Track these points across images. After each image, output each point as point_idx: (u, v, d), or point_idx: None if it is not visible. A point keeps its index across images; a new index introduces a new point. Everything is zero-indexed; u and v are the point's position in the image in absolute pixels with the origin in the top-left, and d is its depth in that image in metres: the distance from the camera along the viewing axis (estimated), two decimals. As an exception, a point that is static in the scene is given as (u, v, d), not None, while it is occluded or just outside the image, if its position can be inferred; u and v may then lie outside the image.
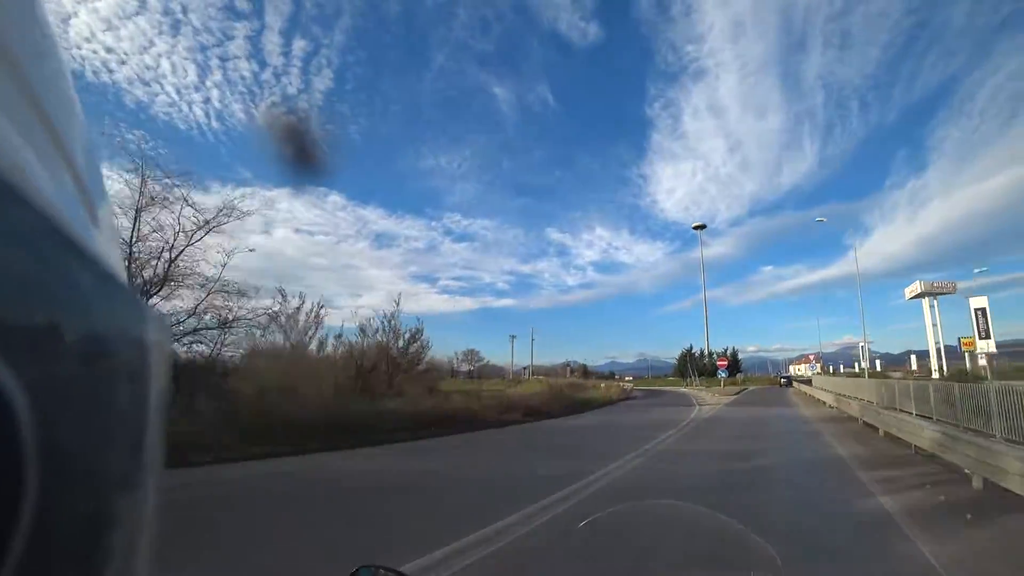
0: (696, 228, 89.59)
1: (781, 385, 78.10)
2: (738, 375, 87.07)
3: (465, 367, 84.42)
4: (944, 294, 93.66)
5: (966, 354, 63.45)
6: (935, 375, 56.05)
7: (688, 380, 68.79)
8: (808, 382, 56.09)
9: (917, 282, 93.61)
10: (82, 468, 0.26)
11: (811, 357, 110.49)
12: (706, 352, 73.04)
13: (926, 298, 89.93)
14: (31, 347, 0.22)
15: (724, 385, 56.30)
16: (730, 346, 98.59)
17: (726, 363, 69.76)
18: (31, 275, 0.23)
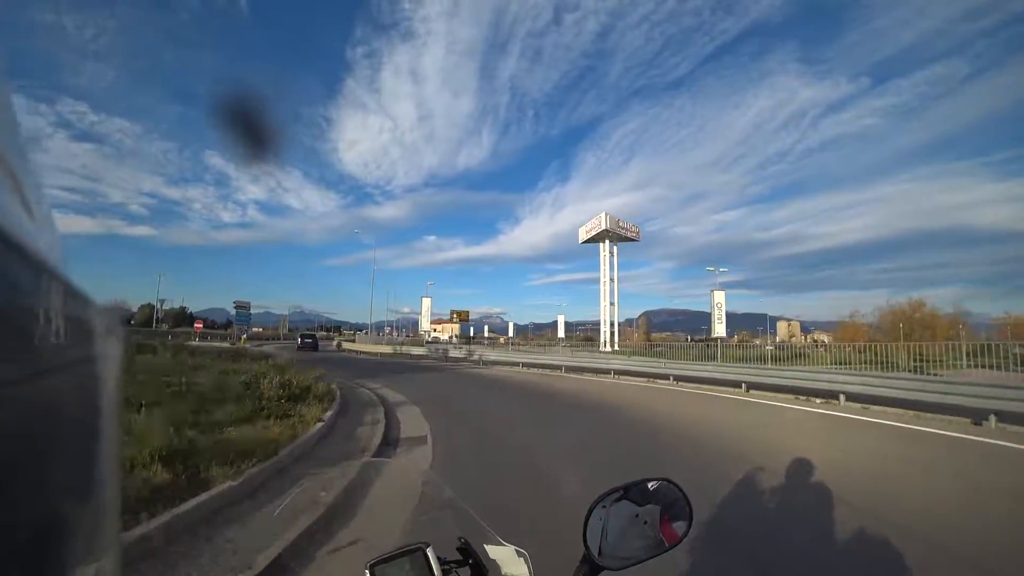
0: None
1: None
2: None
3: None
4: (629, 240, 78.99)
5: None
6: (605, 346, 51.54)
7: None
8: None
9: (602, 215, 76.08)
10: (29, 476, 0.24)
11: (443, 320, 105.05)
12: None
13: (606, 242, 73.58)
14: None
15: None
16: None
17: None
18: None
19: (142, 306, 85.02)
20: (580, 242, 69.08)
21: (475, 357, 26.37)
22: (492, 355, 25.93)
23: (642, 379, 17.46)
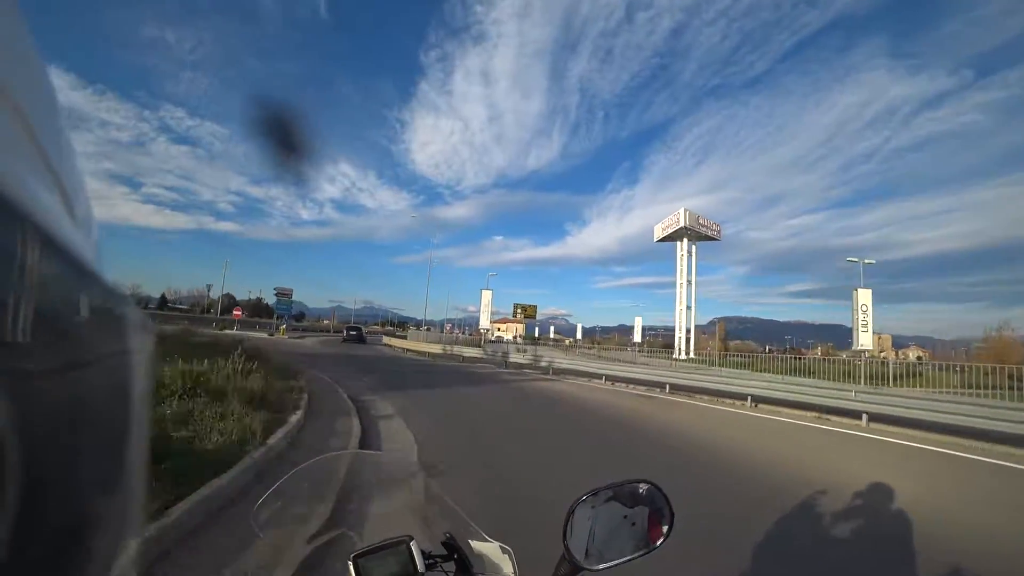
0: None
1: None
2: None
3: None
4: (709, 239, 70.78)
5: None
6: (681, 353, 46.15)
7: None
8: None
9: (680, 211, 68.33)
10: (61, 471, 0.25)
11: (508, 320, 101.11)
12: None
13: (684, 241, 65.72)
14: (5, 345, 0.21)
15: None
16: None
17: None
18: (4, 270, 0.21)
19: (221, 296, 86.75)
20: (655, 240, 62.10)
21: (543, 363, 20.68)
22: (564, 361, 20.13)
23: (799, 411, 11.38)
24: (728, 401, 12.97)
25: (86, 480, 0.27)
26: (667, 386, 14.64)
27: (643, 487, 0.94)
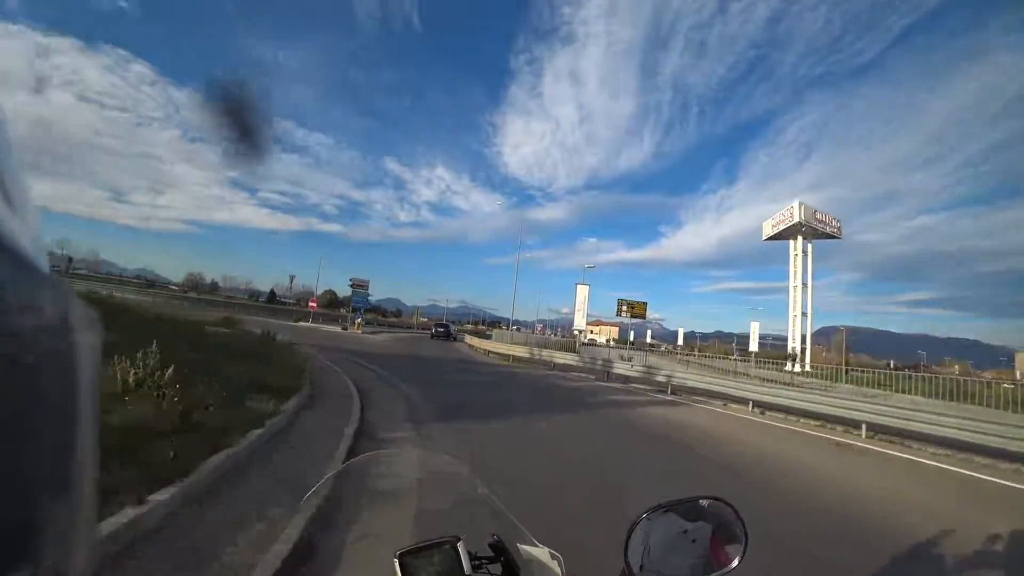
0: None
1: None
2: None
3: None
4: (828, 237, 61.59)
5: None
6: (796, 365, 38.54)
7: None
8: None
9: (794, 204, 59.74)
10: (4, 472, 0.24)
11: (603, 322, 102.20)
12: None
13: (798, 239, 58.24)
14: None
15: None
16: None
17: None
18: None
19: (324, 291, 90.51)
20: (764, 238, 55.25)
21: (660, 377, 16.41)
22: (692, 377, 15.71)
23: None
24: (977, 460, 8.50)
25: (32, 484, 0.26)
26: (864, 426, 10.26)
27: (706, 502, 0.89)
